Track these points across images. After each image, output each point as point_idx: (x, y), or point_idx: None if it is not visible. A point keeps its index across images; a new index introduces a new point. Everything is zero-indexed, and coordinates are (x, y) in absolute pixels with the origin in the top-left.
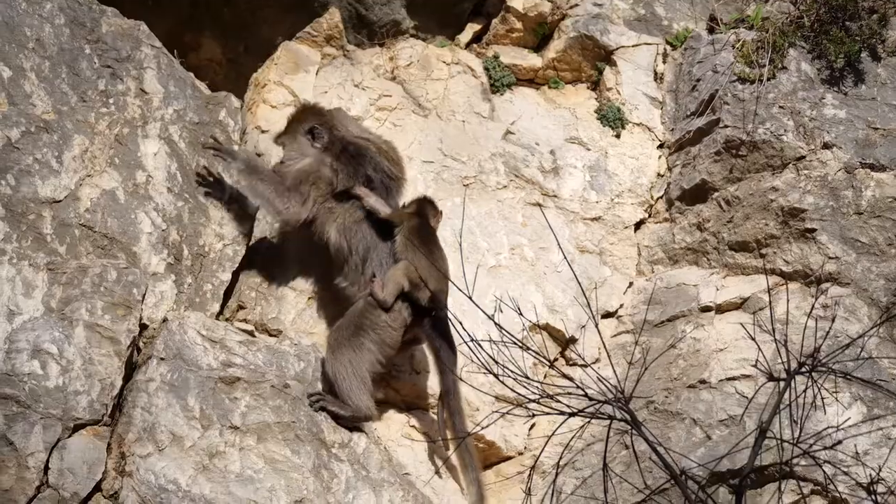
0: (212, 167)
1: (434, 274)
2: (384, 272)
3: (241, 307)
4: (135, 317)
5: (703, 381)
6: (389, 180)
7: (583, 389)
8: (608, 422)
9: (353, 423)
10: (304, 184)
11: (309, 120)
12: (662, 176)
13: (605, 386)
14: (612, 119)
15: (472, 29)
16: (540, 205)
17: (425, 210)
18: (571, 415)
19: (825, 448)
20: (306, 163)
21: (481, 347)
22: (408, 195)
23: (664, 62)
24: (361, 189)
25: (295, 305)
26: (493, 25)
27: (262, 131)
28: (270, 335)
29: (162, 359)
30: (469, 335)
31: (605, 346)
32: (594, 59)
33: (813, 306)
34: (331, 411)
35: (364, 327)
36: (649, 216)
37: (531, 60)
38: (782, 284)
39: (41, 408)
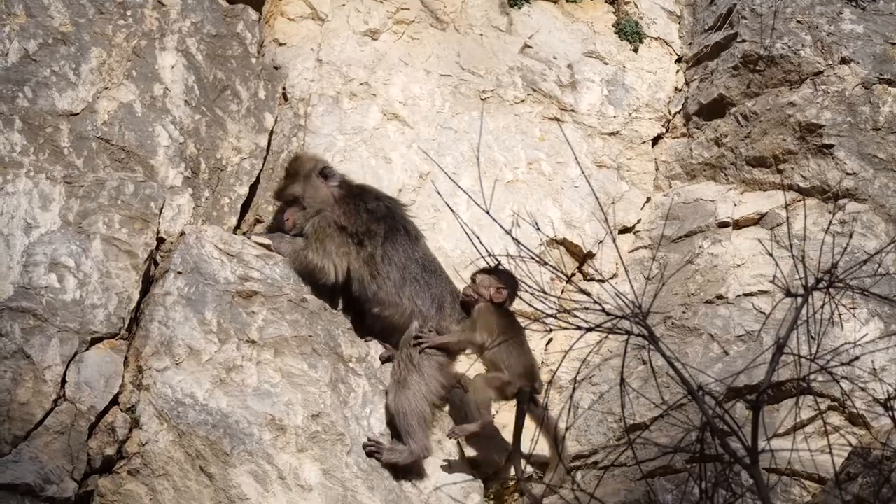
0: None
1: (519, 362)
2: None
3: (258, 221)
4: (152, 230)
5: (720, 297)
6: (400, 206)
7: (600, 304)
8: (625, 337)
9: (410, 466)
10: (335, 254)
11: (314, 161)
12: (680, 90)
13: (623, 301)
14: (630, 33)
15: None
16: (557, 119)
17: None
18: (588, 330)
19: (842, 364)
20: (323, 225)
21: (499, 262)
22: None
23: None
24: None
25: None
26: None
27: (280, 44)
28: None
29: (179, 272)
30: (487, 250)
31: (622, 262)
32: None
33: (830, 222)
34: (386, 463)
35: (423, 367)
36: (667, 131)
37: None
38: (800, 200)
39: (58, 321)
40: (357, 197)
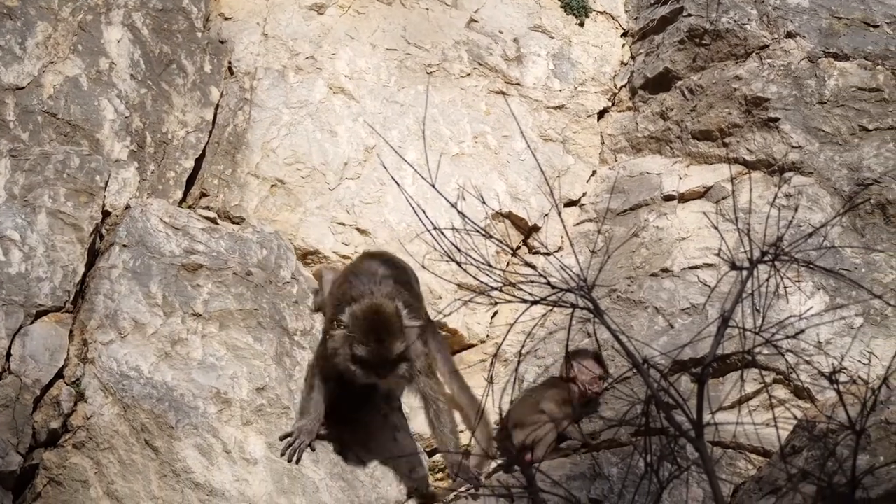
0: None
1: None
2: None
3: (203, 194)
4: (97, 203)
5: (665, 270)
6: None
7: (545, 277)
8: (570, 310)
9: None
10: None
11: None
12: (626, 64)
13: (568, 274)
14: (576, 7)
15: None
16: (503, 93)
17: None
18: (534, 303)
19: (787, 337)
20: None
21: (444, 235)
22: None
23: None
24: None
25: (258, 193)
26: None
27: (226, 18)
28: (233, 222)
29: (124, 245)
30: (432, 223)
31: (567, 235)
32: None
33: (776, 195)
34: None
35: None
36: (612, 105)
37: None
38: (745, 173)
39: (3, 294)
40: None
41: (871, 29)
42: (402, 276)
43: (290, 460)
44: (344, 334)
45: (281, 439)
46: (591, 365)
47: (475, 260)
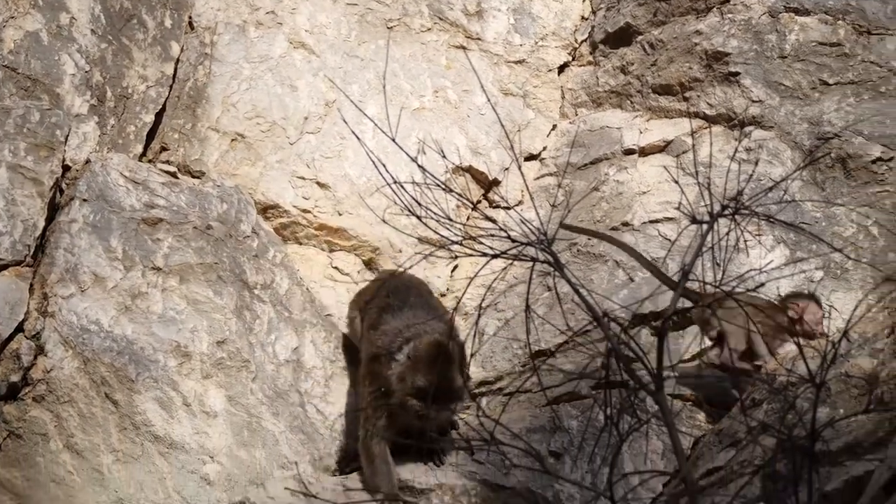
0: None
1: None
2: None
3: (164, 149)
4: (58, 158)
5: (626, 224)
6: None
7: (505, 231)
8: (530, 263)
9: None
10: None
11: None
12: (586, 19)
13: (528, 228)
14: None
15: None
16: (464, 48)
17: None
18: (494, 256)
19: (748, 291)
20: None
21: (404, 189)
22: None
23: None
24: None
25: (218, 147)
26: None
27: None
28: (193, 177)
29: (84, 200)
30: (392, 177)
31: (528, 189)
32: None
33: (736, 149)
34: None
35: None
36: (573, 59)
37: None
38: (706, 128)
39: None
40: None
41: None
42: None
43: None
44: (405, 368)
45: None
46: (815, 308)
47: (435, 214)
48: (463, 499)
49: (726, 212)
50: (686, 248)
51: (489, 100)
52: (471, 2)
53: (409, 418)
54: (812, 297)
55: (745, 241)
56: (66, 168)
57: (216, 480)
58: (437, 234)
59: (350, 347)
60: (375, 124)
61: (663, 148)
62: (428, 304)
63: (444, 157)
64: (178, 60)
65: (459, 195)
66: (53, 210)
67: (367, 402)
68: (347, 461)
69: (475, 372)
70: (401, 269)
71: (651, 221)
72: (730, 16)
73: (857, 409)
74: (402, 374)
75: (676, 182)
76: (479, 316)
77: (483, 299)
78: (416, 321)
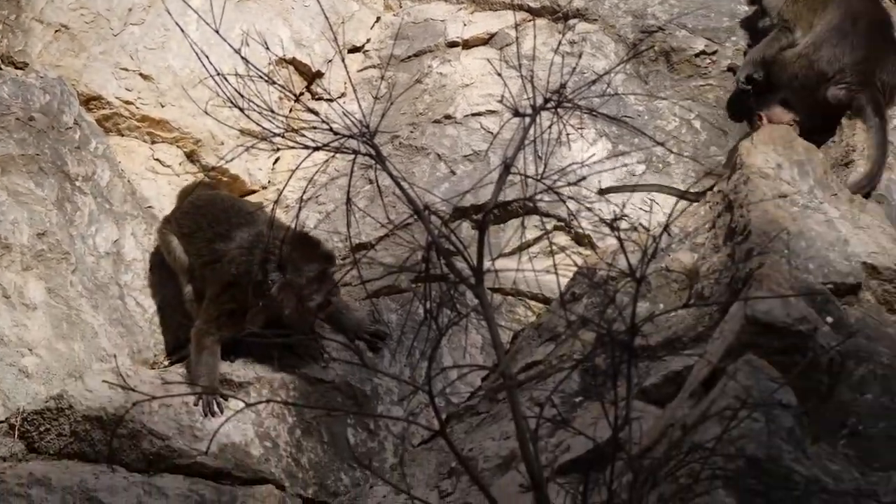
0: None
1: None
2: None
3: None
4: None
5: (448, 117)
6: None
7: (328, 124)
8: (352, 156)
9: None
10: None
11: None
12: None
13: (350, 120)
14: None
15: None
16: None
17: None
18: (315, 149)
19: (569, 184)
20: None
21: (227, 81)
22: None
23: None
24: None
25: (42, 38)
26: None
27: None
28: (17, 68)
29: None
30: (215, 69)
31: (350, 81)
32: None
33: (560, 42)
34: None
35: None
36: None
37: None
38: (529, 20)
39: None
40: None
41: None
42: None
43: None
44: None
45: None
46: (781, 112)
47: (258, 106)
48: (281, 392)
49: (549, 105)
50: (508, 142)
51: None
52: None
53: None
54: (777, 101)
55: (568, 134)
56: None
57: (34, 373)
58: (260, 126)
59: None
60: (199, 16)
61: (487, 40)
62: (253, 217)
63: (267, 48)
64: None
65: (282, 87)
66: None
67: (212, 301)
68: (176, 350)
69: None
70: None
71: (474, 114)
72: None
73: (676, 303)
74: (291, 292)
75: (499, 75)
76: (300, 209)
77: (304, 192)
78: (255, 239)
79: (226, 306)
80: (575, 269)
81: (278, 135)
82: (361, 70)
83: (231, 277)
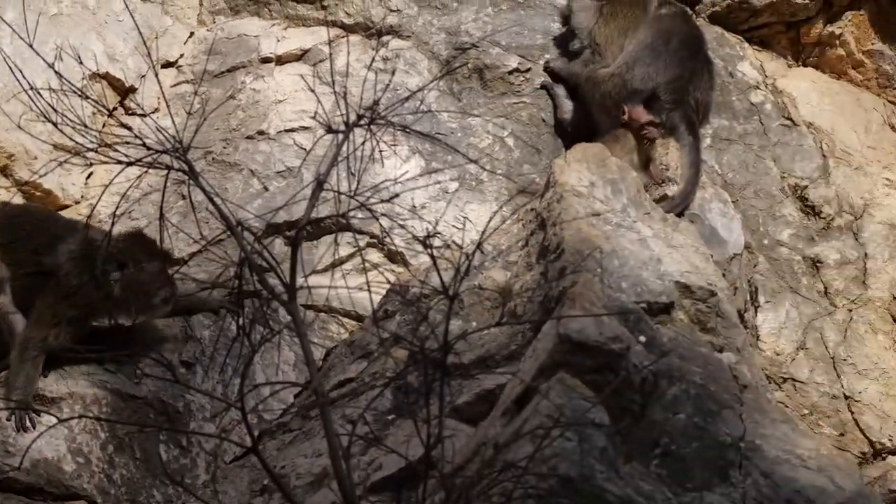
0: None
1: None
2: None
3: None
4: None
5: (261, 133)
6: None
7: (141, 139)
8: (166, 172)
9: None
10: None
11: None
12: None
13: (164, 136)
14: None
15: None
16: None
17: None
18: (129, 164)
19: (382, 201)
20: None
21: (40, 96)
22: None
23: None
24: None
25: None
26: None
27: None
28: None
29: None
30: (29, 83)
31: (164, 96)
32: None
33: (373, 59)
34: None
35: None
36: None
37: None
38: (343, 37)
39: None
40: None
41: None
42: None
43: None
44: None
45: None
46: (641, 111)
47: (71, 121)
48: (94, 408)
49: (362, 121)
50: (322, 158)
51: (127, 6)
52: None
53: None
54: (638, 101)
55: (381, 151)
56: None
57: None
58: (73, 140)
59: None
60: (13, 29)
61: (300, 56)
62: (73, 225)
63: (81, 63)
64: None
65: (95, 102)
66: None
67: (49, 309)
68: None
69: None
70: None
71: (287, 130)
72: None
73: (489, 321)
74: (135, 289)
75: (312, 91)
76: (113, 224)
77: (117, 207)
78: (86, 246)
79: (67, 314)
80: (388, 286)
81: (92, 150)
82: (175, 85)
83: (72, 288)
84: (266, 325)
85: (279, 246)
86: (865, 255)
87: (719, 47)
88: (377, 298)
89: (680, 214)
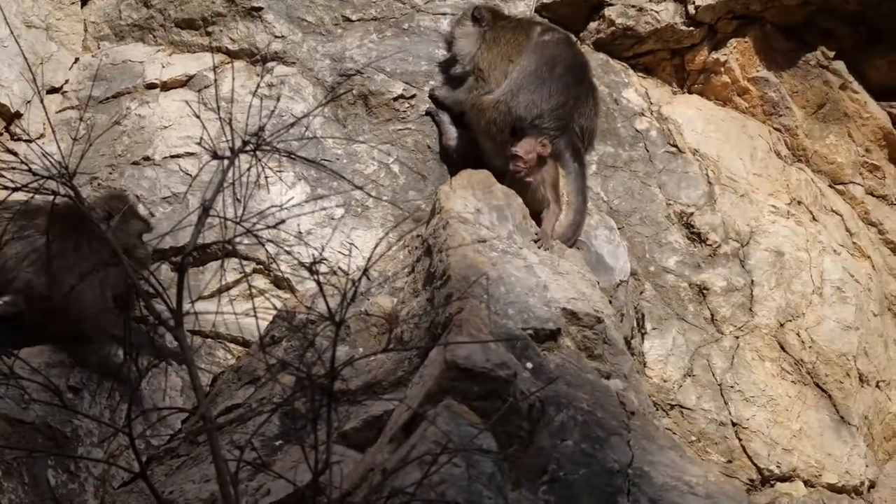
0: None
1: None
2: None
3: None
4: None
5: (147, 158)
6: None
7: (27, 164)
8: (52, 197)
9: None
10: None
11: None
12: None
13: (50, 161)
14: None
15: None
16: None
17: None
18: (14, 190)
19: (268, 227)
20: None
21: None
22: None
23: None
24: None
25: None
26: None
27: None
28: None
29: None
30: None
31: (50, 122)
32: None
33: (258, 85)
34: None
35: None
36: None
37: None
38: (228, 63)
39: None
40: None
41: None
42: None
43: None
44: None
45: None
46: (531, 141)
47: None
48: None
49: (247, 147)
50: (207, 184)
51: (12, 32)
52: None
53: None
54: (531, 136)
55: (266, 177)
56: None
57: None
58: None
59: None
60: None
61: (185, 82)
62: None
63: None
64: None
65: None
66: None
67: None
68: None
69: None
70: None
71: (172, 156)
72: None
73: (376, 347)
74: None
75: (198, 117)
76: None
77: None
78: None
79: None
80: (274, 312)
81: None
82: (60, 111)
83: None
84: (153, 351)
85: (165, 272)
86: (752, 282)
87: (604, 74)
88: (264, 324)
89: (572, 245)
